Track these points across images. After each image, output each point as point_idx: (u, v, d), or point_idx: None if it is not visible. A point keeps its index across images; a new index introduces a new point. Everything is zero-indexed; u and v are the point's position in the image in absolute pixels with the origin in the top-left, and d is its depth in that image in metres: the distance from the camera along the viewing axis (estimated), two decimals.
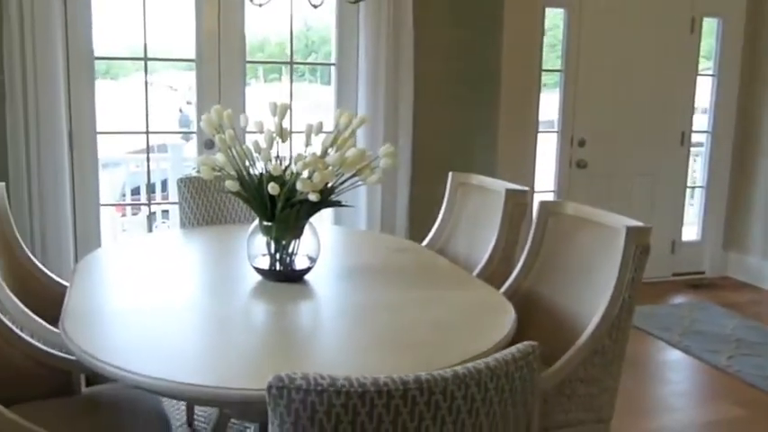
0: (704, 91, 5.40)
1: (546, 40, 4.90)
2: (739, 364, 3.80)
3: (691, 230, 5.63)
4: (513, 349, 1.29)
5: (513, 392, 1.27)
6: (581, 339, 2.11)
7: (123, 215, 6.79)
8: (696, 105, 5.34)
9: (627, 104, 5.09)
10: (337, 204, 2.27)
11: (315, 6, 2.55)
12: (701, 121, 5.48)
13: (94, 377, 2.33)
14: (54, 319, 2.40)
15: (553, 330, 2.38)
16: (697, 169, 5.75)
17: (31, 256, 2.84)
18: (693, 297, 5.02)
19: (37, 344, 2.19)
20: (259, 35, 5.29)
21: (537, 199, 3.79)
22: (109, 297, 2.25)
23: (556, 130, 5.06)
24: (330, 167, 2.13)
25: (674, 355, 3.99)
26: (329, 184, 2.24)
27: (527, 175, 4.79)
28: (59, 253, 3.86)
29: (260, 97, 5.21)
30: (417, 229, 4.06)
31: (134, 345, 1.82)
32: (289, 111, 2.30)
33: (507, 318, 2.00)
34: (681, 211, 5.44)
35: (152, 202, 4.88)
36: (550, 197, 5.03)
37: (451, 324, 1.99)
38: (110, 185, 6.41)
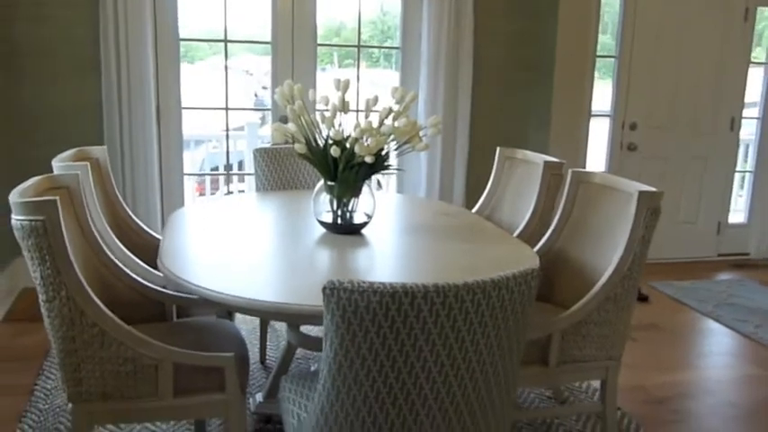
0: (756, 80, 5.52)
1: (601, 26, 5.13)
2: (765, 332, 4.04)
3: (739, 216, 5.78)
4: (515, 270, 1.63)
5: (513, 302, 1.61)
6: (596, 287, 2.42)
7: (202, 194, 7.28)
8: (748, 95, 5.47)
9: (678, 90, 5.27)
10: (390, 168, 2.64)
11: None
12: (753, 109, 5.61)
13: (184, 310, 2.78)
14: (147, 261, 2.86)
15: (578, 282, 2.69)
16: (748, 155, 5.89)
17: (129, 212, 3.31)
18: (735, 275, 5.21)
19: (138, 278, 2.63)
20: (336, 20, 5.59)
21: None
22: (196, 240, 2.68)
23: (608, 113, 5.29)
24: (383, 134, 2.49)
25: (706, 323, 4.25)
26: (384, 151, 2.60)
27: (578, 155, 5.05)
28: (148, 213, 4.37)
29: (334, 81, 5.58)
30: (473, 199, 4.38)
31: (217, 273, 2.23)
32: (356, 90, 2.66)
33: (531, 265, 2.32)
34: (728, 194, 5.60)
35: (230, 172, 5.33)
36: None
37: (480, 268, 2.33)
38: (191, 163, 6.93)
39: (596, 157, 5.39)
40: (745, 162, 5.94)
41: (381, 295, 1.51)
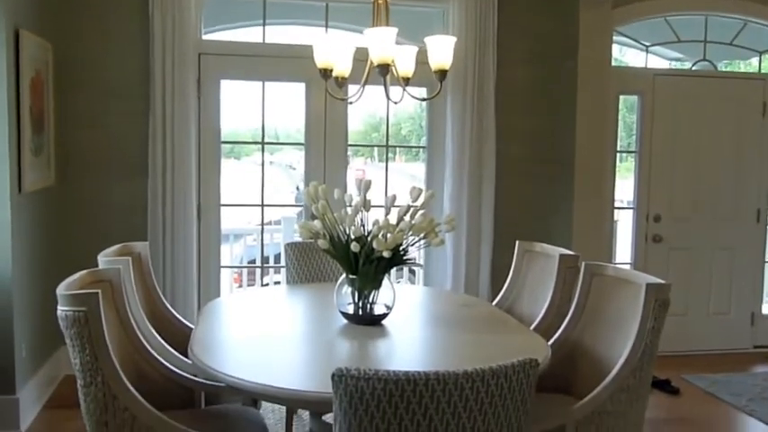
0: None
1: (621, 121, 5.31)
2: None
3: None
4: (515, 360, 1.74)
5: (512, 391, 1.71)
6: (608, 378, 2.48)
7: (240, 285, 7.48)
8: None
9: (701, 183, 5.36)
10: (407, 262, 2.79)
11: (395, 103, 3.14)
12: None
13: (212, 397, 2.90)
14: (180, 349, 3.01)
15: (595, 373, 2.74)
16: None
17: (166, 303, 3.49)
18: None
19: (170, 366, 2.78)
20: (376, 116, 5.82)
21: None
22: (226, 330, 2.84)
23: (632, 206, 5.39)
24: (400, 231, 2.65)
25: (739, 417, 4.18)
26: (402, 246, 2.76)
27: (603, 247, 5.10)
28: (185, 303, 4.55)
29: (373, 175, 5.82)
30: (498, 290, 4.48)
31: (243, 362, 2.37)
32: (385, 184, 2.82)
33: (542, 356, 2.41)
34: (760, 284, 5.57)
35: (264, 266, 5.54)
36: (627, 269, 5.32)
37: (494, 358, 2.41)
38: (230, 256, 7.16)
39: (623, 249, 5.46)
40: None
41: (385, 382, 1.63)
